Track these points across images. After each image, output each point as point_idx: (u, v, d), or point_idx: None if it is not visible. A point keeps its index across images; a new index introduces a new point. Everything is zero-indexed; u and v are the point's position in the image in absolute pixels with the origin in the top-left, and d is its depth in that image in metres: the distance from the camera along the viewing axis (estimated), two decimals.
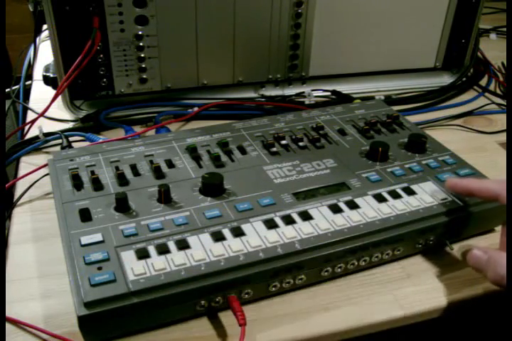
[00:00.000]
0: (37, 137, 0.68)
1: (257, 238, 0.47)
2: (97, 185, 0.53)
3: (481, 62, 0.95)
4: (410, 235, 0.50)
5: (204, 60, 0.76)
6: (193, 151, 0.59)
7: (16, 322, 0.45)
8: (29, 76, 0.90)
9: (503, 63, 0.96)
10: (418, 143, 0.60)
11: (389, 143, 0.59)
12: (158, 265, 0.44)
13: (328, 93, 0.82)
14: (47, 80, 0.76)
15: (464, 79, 0.88)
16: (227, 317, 0.45)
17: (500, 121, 0.79)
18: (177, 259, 0.44)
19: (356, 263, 0.49)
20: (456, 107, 0.83)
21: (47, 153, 0.69)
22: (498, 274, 0.42)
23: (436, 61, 0.87)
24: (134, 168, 0.56)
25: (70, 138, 0.67)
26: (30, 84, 0.87)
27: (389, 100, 0.82)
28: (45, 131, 0.68)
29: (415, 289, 0.49)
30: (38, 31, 0.96)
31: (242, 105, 0.78)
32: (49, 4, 0.64)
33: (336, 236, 0.48)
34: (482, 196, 0.49)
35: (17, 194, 0.60)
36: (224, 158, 0.58)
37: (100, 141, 0.65)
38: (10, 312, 0.46)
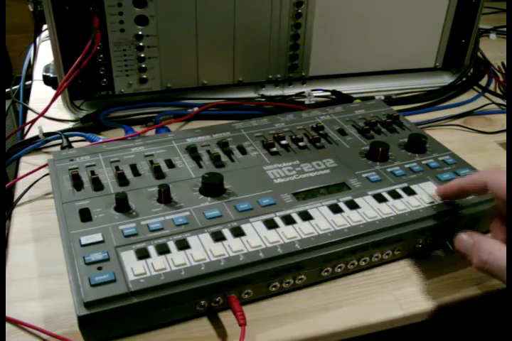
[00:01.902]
0: (37, 137, 0.68)
1: (257, 238, 0.47)
2: (97, 185, 0.53)
3: (481, 62, 0.95)
4: (410, 235, 0.50)
5: (204, 60, 0.76)
6: (193, 151, 0.59)
7: (16, 322, 0.45)
8: (29, 76, 0.90)
9: (503, 63, 0.96)
10: (418, 143, 0.60)
11: (389, 143, 0.59)
12: (158, 265, 0.44)
13: (328, 93, 0.82)
14: (47, 80, 0.76)
15: (464, 79, 0.88)
16: (227, 317, 0.45)
17: (500, 121, 0.79)
18: (177, 259, 0.44)
19: (356, 263, 0.49)
20: (456, 107, 0.83)
21: (47, 153, 0.69)
22: (481, 260, 0.42)
23: (436, 61, 0.87)
24: (134, 168, 0.56)
25: (70, 138, 0.67)
26: (30, 84, 0.87)
27: (389, 100, 0.82)
28: (45, 131, 0.68)
29: (415, 289, 0.49)
30: (38, 31, 0.96)
31: (242, 105, 0.78)
32: (49, 4, 0.64)
33: (335, 236, 0.48)
34: (474, 189, 0.48)
35: (17, 194, 0.60)
36: (224, 158, 0.58)
37: (100, 141, 0.65)
38: (10, 312, 0.46)
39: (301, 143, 0.61)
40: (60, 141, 0.67)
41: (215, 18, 0.73)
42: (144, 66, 0.73)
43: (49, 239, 0.54)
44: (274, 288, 0.47)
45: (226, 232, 0.47)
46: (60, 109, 0.74)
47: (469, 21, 0.83)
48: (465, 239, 0.45)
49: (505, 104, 0.84)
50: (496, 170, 0.47)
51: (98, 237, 0.46)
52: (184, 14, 0.71)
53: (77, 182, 0.53)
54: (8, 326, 0.45)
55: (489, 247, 0.42)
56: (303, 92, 0.81)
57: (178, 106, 0.78)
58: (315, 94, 0.82)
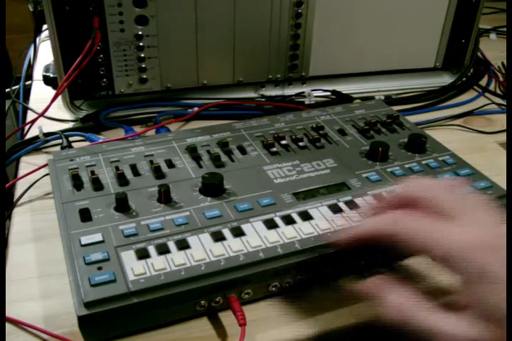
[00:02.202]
0: (37, 137, 0.68)
1: (257, 238, 0.47)
2: (97, 185, 0.53)
3: (481, 62, 0.95)
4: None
5: (204, 60, 0.76)
6: (193, 151, 0.59)
7: (16, 322, 0.45)
8: (29, 76, 0.90)
9: (503, 63, 0.96)
10: (418, 143, 0.60)
11: (389, 143, 0.59)
12: (158, 265, 0.44)
13: (328, 93, 0.82)
14: (47, 80, 0.76)
15: (464, 79, 0.88)
16: (227, 317, 0.45)
17: (500, 121, 0.79)
18: (177, 259, 0.44)
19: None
20: (456, 107, 0.82)
21: (47, 153, 0.69)
22: (394, 308, 0.37)
23: (436, 61, 0.87)
24: (134, 168, 0.56)
25: (70, 138, 0.67)
26: (30, 84, 0.87)
27: (389, 100, 0.82)
28: (45, 131, 0.68)
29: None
30: (38, 31, 0.96)
31: (242, 105, 0.78)
32: (49, 4, 0.64)
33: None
34: (380, 238, 0.38)
35: (17, 194, 0.60)
36: (224, 158, 0.58)
37: (100, 141, 0.65)
38: (10, 312, 0.45)
39: (301, 143, 0.61)
40: (60, 141, 0.67)
41: (215, 18, 0.73)
42: (144, 66, 0.73)
43: (49, 239, 0.54)
44: (274, 288, 0.47)
45: (226, 232, 0.47)
46: (60, 109, 0.74)
47: (469, 21, 0.83)
48: (377, 283, 0.40)
49: (505, 104, 0.84)
50: (405, 213, 0.39)
51: (98, 237, 0.46)
52: (184, 14, 0.71)
53: (77, 182, 0.53)
54: (8, 326, 0.45)
55: (404, 299, 0.37)
56: (303, 92, 0.81)
57: (178, 106, 0.78)
58: (315, 94, 0.82)
